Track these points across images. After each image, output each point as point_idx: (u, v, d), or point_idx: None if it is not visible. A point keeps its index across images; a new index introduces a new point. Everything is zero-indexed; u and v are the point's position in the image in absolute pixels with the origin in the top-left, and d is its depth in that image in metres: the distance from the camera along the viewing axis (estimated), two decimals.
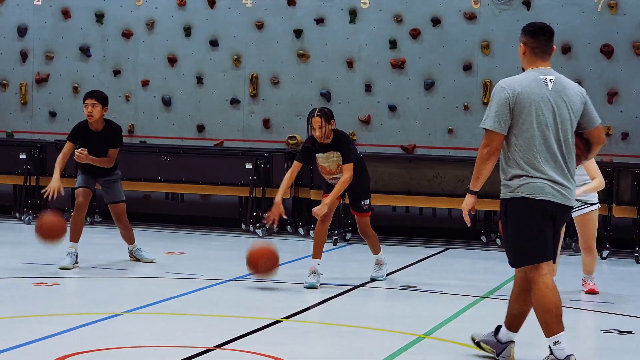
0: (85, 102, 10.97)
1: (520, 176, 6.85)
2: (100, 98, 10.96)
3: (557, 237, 7.04)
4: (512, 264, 7.00)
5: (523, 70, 7.08)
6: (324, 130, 10.02)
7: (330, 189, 10.15)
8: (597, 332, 8.71)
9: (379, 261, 10.73)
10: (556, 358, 6.77)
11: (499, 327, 7.26)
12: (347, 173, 10.02)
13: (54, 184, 10.68)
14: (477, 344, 7.35)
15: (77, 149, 10.87)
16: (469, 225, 7.26)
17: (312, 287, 10.04)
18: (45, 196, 10.71)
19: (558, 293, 6.83)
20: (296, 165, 10.27)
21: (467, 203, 7.10)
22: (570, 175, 6.90)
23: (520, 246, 6.89)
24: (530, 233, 6.84)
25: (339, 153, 10.10)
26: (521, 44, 7.04)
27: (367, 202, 10.43)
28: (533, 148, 6.83)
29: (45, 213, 10.76)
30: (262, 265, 9.88)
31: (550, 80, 6.92)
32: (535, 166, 6.82)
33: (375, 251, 10.72)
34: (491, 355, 7.25)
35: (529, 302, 6.96)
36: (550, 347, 6.80)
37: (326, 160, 10.20)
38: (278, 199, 9.97)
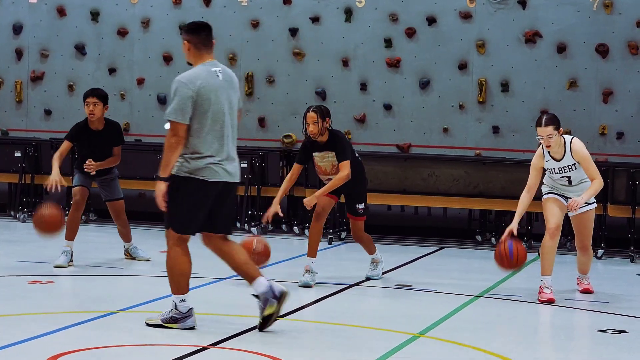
0: (87, 100, 10.94)
1: (198, 158, 7.64)
2: (101, 96, 10.96)
3: (227, 209, 7.90)
4: (175, 229, 7.76)
5: (190, 65, 7.91)
6: (318, 126, 9.99)
7: None
8: (591, 332, 8.71)
9: (374, 260, 10.72)
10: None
11: (174, 302, 7.89)
12: (344, 171, 9.98)
13: (55, 177, 10.54)
14: (160, 326, 7.83)
15: (75, 148, 10.93)
16: (164, 209, 7.68)
17: (306, 285, 10.03)
18: (47, 189, 10.54)
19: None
20: (296, 167, 10.24)
21: (161, 189, 7.68)
22: (235, 154, 7.85)
23: (185, 218, 7.73)
24: (194, 209, 7.72)
25: (334, 153, 10.08)
26: (185, 42, 7.89)
27: (362, 205, 10.38)
28: (211, 133, 7.66)
29: (44, 205, 10.54)
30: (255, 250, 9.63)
31: (219, 71, 7.81)
32: (211, 150, 7.66)
33: (371, 252, 10.71)
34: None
35: (190, 263, 7.84)
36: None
37: (321, 160, 10.19)
38: (276, 199, 9.97)
